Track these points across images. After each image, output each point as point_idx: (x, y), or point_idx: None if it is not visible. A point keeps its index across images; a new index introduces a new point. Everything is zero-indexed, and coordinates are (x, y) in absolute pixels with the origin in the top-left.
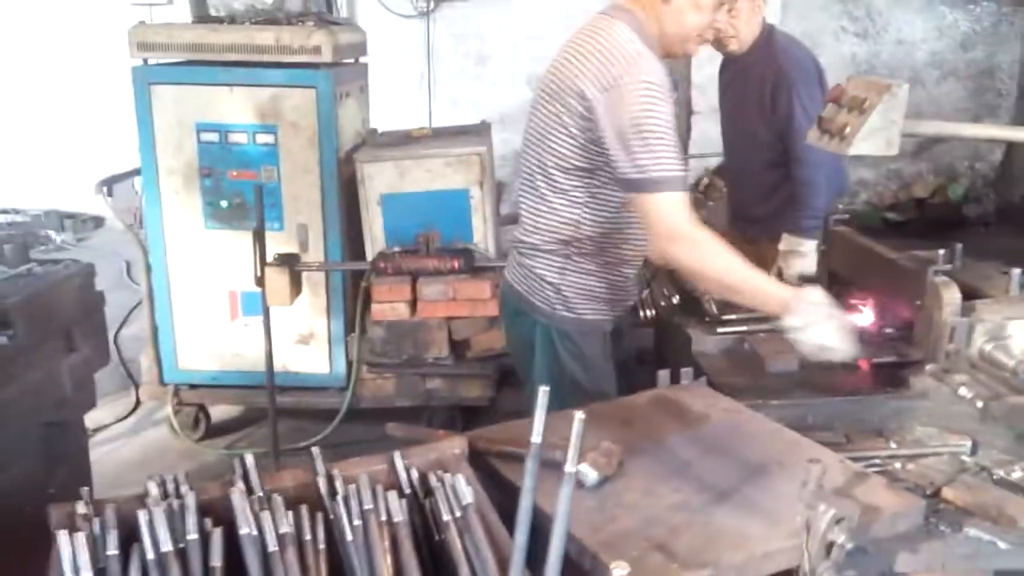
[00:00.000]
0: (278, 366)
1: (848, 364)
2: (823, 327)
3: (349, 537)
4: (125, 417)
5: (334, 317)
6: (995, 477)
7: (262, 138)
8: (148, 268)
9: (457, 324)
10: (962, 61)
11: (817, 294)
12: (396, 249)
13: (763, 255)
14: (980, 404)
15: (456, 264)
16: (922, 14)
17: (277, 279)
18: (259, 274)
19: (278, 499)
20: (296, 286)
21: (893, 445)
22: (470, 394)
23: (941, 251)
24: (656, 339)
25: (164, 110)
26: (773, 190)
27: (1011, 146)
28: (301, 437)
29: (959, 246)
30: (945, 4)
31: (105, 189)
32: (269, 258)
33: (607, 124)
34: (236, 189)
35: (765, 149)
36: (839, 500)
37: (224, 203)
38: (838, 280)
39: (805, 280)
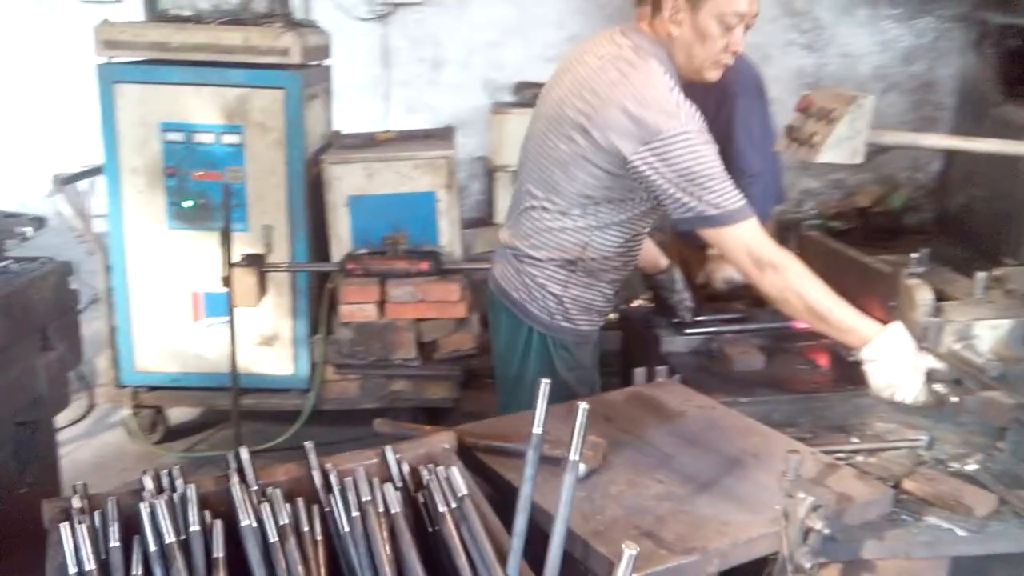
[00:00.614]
0: (241, 367)
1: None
2: (898, 366)
3: (346, 528)
4: (79, 420)
5: (298, 318)
6: (951, 469)
7: (228, 138)
8: (108, 268)
9: (425, 326)
10: (904, 75)
11: (901, 333)
12: (363, 251)
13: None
14: (955, 399)
15: (425, 266)
16: (867, 28)
17: (244, 280)
18: (226, 274)
19: (276, 492)
20: (262, 287)
21: (855, 440)
22: (435, 395)
23: (914, 255)
24: (625, 340)
25: (128, 108)
26: None
27: (949, 157)
28: (262, 439)
29: (927, 251)
30: (889, 19)
31: (61, 188)
32: (235, 259)
33: (656, 176)
34: (201, 189)
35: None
36: (816, 488)
37: (188, 203)
38: None
39: (731, 285)
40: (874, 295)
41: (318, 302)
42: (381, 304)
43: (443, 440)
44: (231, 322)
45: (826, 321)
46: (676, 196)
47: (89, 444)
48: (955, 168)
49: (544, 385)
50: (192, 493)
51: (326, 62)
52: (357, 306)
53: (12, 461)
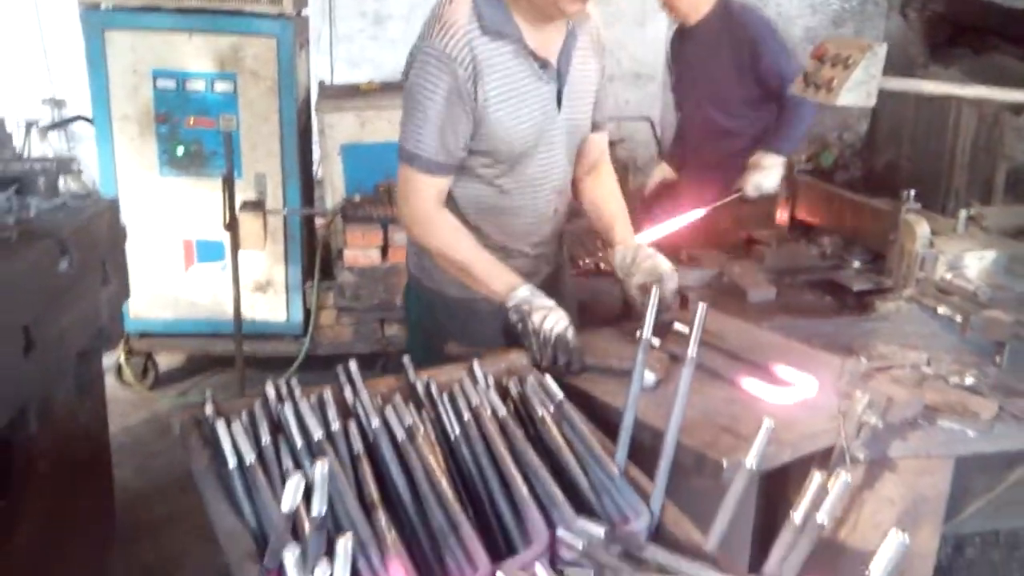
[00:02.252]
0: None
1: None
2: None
3: (457, 431)
4: None
5: (292, 265)
6: (951, 383)
7: (221, 86)
8: None
9: None
10: (833, 36)
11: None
12: (357, 198)
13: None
14: (959, 319)
15: None
16: None
17: (252, 224)
18: (228, 220)
19: (397, 396)
20: (266, 232)
21: (864, 360)
22: None
23: (912, 192)
24: None
25: (119, 56)
26: (752, 140)
27: (875, 118)
28: (254, 385)
29: (913, 192)
30: None
31: (45, 136)
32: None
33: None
34: (194, 136)
35: (746, 105)
36: (870, 388)
37: (180, 150)
38: (802, 225)
39: (760, 193)
40: (871, 232)
41: (310, 249)
42: (384, 249)
43: (521, 356)
44: (235, 266)
45: (468, 273)
46: (402, 115)
47: None
48: (881, 128)
49: (655, 291)
50: (329, 395)
51: (304, 12)
52: (361, 251)
53: (74, 392)
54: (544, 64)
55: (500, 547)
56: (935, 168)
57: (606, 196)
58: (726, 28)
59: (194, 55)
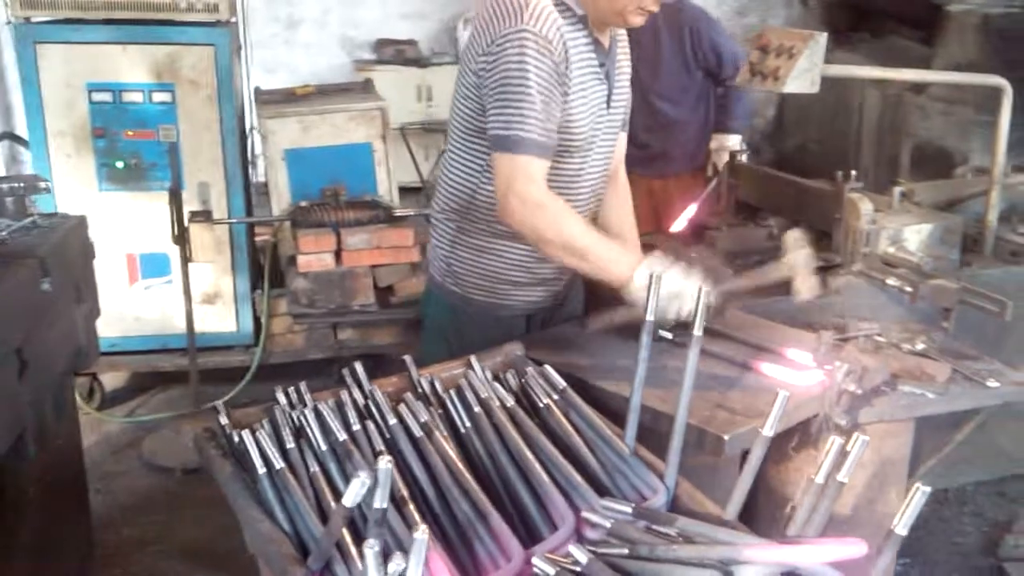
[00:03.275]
0: (183, 327)
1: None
2: (671, 276)
3: (468, 424)
4: None
5: (239, 274)
6: (905, 349)
7: (159, 96)
8: None
9: (381, 271)
10: (739, 25)
11: (659, 258)
12: (304, 203)
13: (674, 190)
14: (909, 289)
15: (378, 213)
16: None
17: (204, 235)
18: (176, 232)
19: (409, 395)
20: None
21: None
22: (382, 342)
23: (852, 173)
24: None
25: (51, 70)
26: (700, 128)
27: (783, 104)
28: (205, 399)
29: (854, 172)
30: None
31: None
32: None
33: (487, 82)
34: (133, 149)
35: (689, 93)
36: (847, 358)
37: (120, 164)
38: (746, 207)
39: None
40: (812, 212)
41: (255, 258)
42: (337, 253)
43: (515, 348)
44: (185, 279)
45: (585, 257)
46: (490, 106)
47: None
48: (789, 114)
49: (656, 279)
50: (347, 397)
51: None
52: (314, 256)
53: (51, 413)
54: (603, 62)
55: (522, 534)
56: (842, 148)
57: (619, 210)
58: (663, 17)
59: (130, 67)
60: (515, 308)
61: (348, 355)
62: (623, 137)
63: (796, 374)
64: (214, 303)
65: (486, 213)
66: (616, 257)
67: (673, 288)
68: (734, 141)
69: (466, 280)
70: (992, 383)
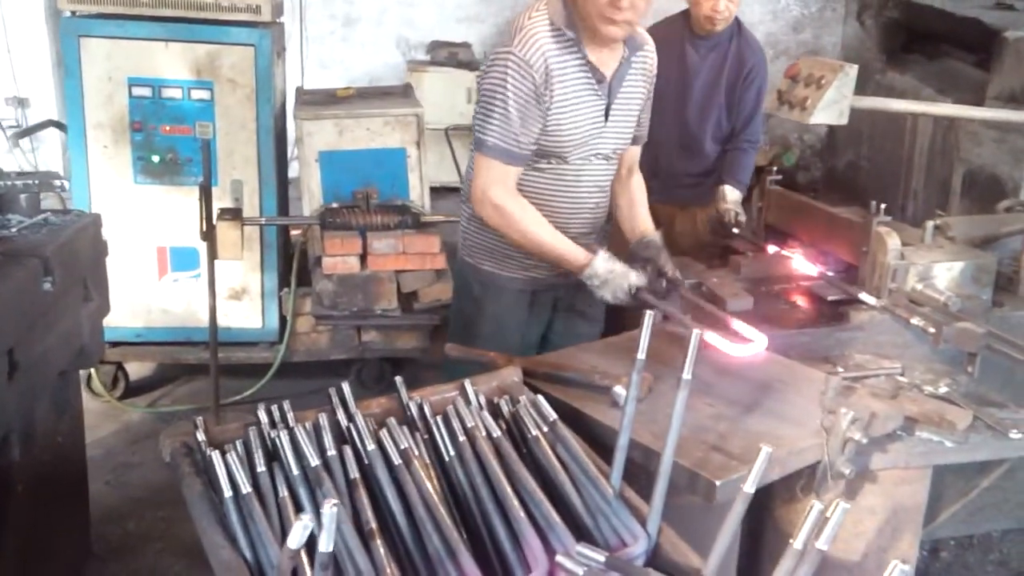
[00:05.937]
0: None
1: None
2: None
3: (452, 452)
4: None
5: (268, 272)
6: (926, 392)
7: (197, 94)
8: None
9: (406, 277)
10: (793, 42)
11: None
12: (335, 205)
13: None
14: (932, 330)
15: (406, 219)
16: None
17: (230, 232)
18: (205, 228)
19: (392, 420)
20: (242, 241)
21: (840, 370)
22: (405, 345)
23: (882, 205)
24: None
25: (94, 63)
26: (713, 160)
27: None
28: (227, 393)
29: (884, 205)
30: None
31: (17, 143)
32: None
33: (479, 91)
34: (169, 144)
35: (719, 126)
36: (853, 404)
37: (156, 158)
38: (774, 231)
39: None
40: (842, 241)
41: (286, 256)
42: (363, 256)
43: (512, 373)
44: (211, 275)
45: (542, 249)
46: (475, 111)
47: None
48: (840, 130)
49: (649, 316)
50: (324, 420)
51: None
52: (340, 258)
53: (52, 411)
54: (600, 79)
55: (496, 572)
56: (893, 170)
57: (634, 200)
58: (735, 50)
59: (170, 63)
60: (517, 281)
61: (371, 357)
62: (637, 148)
63: (737, 345)
64: (241, 299)
65: None
66: (569, 249)
67: (606, 273)
68: (738, 197)
69: (476, 252)
70: (1015, 434)
